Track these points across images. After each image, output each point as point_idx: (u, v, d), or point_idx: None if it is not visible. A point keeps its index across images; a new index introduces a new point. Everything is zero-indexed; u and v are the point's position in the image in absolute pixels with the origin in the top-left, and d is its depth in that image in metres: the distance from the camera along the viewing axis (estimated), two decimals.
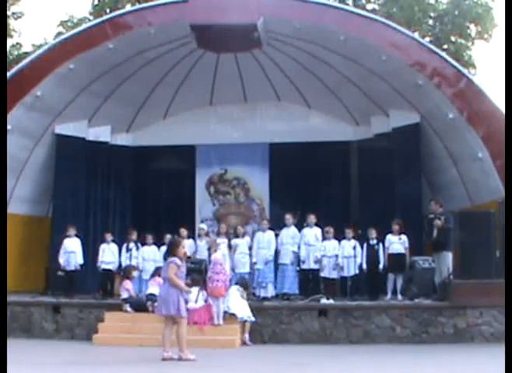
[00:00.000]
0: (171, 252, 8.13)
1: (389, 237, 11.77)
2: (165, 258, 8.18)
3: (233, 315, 9.72)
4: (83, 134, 14.51)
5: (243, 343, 9.54)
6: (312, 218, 11.95)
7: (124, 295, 10.68)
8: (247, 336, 9.61)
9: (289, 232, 11.99)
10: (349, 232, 11.93)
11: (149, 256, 12.60)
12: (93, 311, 10.55)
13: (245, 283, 10.52)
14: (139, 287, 11.91)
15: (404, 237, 11.72)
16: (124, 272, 11.36)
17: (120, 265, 12.61)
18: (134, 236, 12.72)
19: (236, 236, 12.46)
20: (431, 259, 10.84)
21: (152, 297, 10.29)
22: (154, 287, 10.44)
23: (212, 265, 10.13)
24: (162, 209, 15.53)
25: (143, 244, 12.78)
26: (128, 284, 10.86)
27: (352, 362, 8.11)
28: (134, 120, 15.52)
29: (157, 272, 10.72)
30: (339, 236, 11.98)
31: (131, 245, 12.61)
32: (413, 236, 11.82)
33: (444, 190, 13.26)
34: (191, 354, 7.75)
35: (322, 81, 14.27)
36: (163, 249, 12.36)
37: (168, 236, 12.39)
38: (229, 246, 12.22)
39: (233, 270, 11.88)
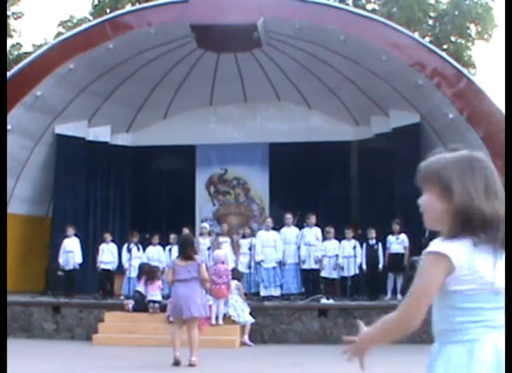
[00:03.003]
0: (191, 250, 7.77)
1: (389, 237, 11.79)
2: (182, 256, 7.72)
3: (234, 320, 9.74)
4: (83, 134, 14.51)
5: (244, 344, 9.54)
6: (312, 218, 11.95)
7: (157, 296, 10.52)
8: (246, 337, 9.61)
9: (292, 232, 12.00)
10: (349, 232, 11.92)
11: (153, 256, 12.59)
12: (93, 311, 10.56)
13: (238, 275, 10.51)
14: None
15: (403, 237, 11.73)
16: (149, 273, 10.92)
17: (120, 265, 12.63)
18: (135, 238, 12.72)
19: (243, 236, 12.49)
20: None
21: (153, 301, 10.28)
22: (156, 293, 10.41)
23: (214, 263, 10.11)
24: (162, 209, 15.51)
25: (148, 244, 12.77)
26: (160, 284, 10.73)
27: (352, 362, 8.09)
28: (134, 120, 15.51)
29: (152, 273, 10.68)
30: (339, 236, 11.98)
31: (132, 245, 12.61)
32: (413, 236, 11.81)
33: None
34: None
35: (322, 81, 14.26)
36: (167, 248, 12.44)
37: (172, 236, 12.41)
38: (233, 245, 12.23)
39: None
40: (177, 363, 7.56)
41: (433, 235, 1.96)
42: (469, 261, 1.86)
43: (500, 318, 1.89)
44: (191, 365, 7.50)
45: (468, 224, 1.87)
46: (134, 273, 11.86)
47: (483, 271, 1.87)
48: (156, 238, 12.76)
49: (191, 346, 7.56)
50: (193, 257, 7.69)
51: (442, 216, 1.92)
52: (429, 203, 1.95)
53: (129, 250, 12.50)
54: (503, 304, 1.89)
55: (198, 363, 7.52)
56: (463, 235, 1.88)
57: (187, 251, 7.73)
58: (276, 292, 11.77)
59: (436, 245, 1.89)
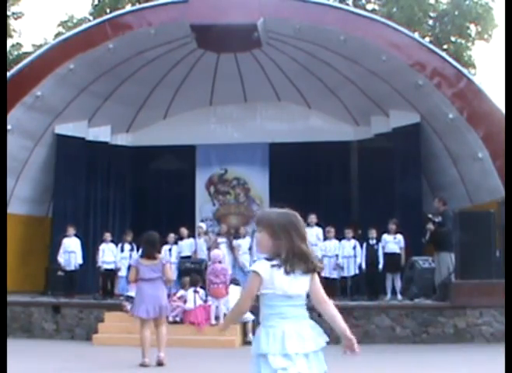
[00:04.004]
0: (157, 249, 7.82)
1: (384, 236, 11.74)
2: (146, 256, 7.65)
3: None
4: (83, 134, 14.51)
5: (249, 343, 9.49)
6: (313, 218, 11.94)
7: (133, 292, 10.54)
8: (250, 335, 9.57)
9: None
10: (349, 232, 11.92)
11: None
12: (93, 311, 10.55)
13: (236, 282, 10.53)
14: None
15: (400, 237, 11.68)
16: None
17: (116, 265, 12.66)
18: (129, 237, 12.72)
19: (238, 237, 12.49)
20: (431, 259, 10.83)
21: (130, 298, 10.22)
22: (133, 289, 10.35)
23: (212, 262, 10.11)
24: (162, 209, 15.52)
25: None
26: None
27: (352, 362, 8.05)
28: (134, 120, 15.52)
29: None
30: (339, 236, 11.97)
31: (127, 245, 12.60)
32: (413, 236, 11.81)
33: (444, 190, 13.25)
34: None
35: (322, 81, 14.26)
36: (165, 248, 12.44)
37: (172, 235, 12.45)
38: (230, 246, 12.24)
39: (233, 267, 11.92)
40: (143, 365, 7.43)
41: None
42: (270, 276, 2.94)
43: (291, 312, 2.94)
44: (159, 364, 7.39)
45: (279, 254, 2.95)
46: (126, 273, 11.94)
47: (279, 282, 2.93)
48: None
49: (159, 342, 7.52)
50: (156, 256, 7.70)
51: (269, 247, 3.01)
52: (263, 239, 3.05)
53: (123, 250, 12.51)
54: (294, 303, 2.95)
55: (167, 360, 7.42)
56: (274, 259, 2.95)
57: (151, 250, 7.71)
58: None
59: (254, 265, 3.02)
